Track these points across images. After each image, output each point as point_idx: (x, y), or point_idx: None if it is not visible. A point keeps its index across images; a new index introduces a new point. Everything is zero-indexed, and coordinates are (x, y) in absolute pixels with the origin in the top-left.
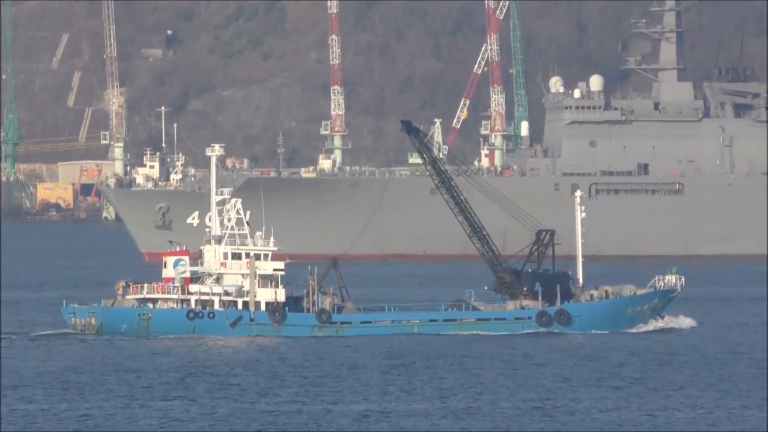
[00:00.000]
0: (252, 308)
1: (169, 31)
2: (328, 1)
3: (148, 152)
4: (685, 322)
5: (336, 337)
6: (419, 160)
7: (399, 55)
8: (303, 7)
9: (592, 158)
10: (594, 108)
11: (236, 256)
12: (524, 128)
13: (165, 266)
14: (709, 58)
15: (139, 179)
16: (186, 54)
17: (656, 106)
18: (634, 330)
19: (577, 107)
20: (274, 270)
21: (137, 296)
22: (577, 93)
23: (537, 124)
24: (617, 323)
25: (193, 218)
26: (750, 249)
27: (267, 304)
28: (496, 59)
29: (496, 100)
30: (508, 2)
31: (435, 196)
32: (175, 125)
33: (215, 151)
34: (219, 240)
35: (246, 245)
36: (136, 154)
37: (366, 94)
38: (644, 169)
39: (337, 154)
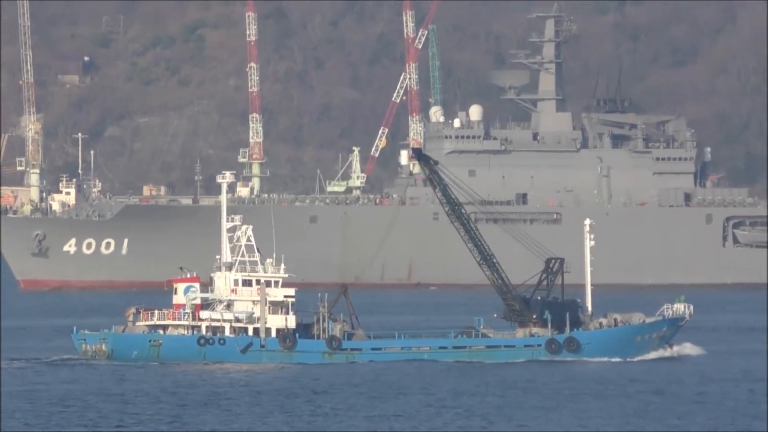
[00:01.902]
0: (263, 335)
1: (86, 58)
2: (247, 29)
3: (65, 179)
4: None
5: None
6: (338, 188)
7: (317, 84)
8: (221, 35)
9: (472, 187)
10: (473, 138)
11: (247, 283)
12: (404, 157)
13: (176, 293)
14: (588, 89)
15: (56, 206)
16: (103, 81)
17: (535, 136)
18: (642, 357)
19: (456, 137)
20: (285, 297)
21: (148, 323)
22: (456, 123)
23: None
24: (626, 351)
25: (70, 246)
26: (626, 279)
27: (277, 330)
28: (415, 88)
29: (415, 128)
30: (426, 31)
31: (314, 224)
32: (92, 152)
33: (226, 178)
34: (229, 267)
35: (256, 272)
36: (52, 181)
37: (284, 122)
38: (523, 198)
39: (255, 182)
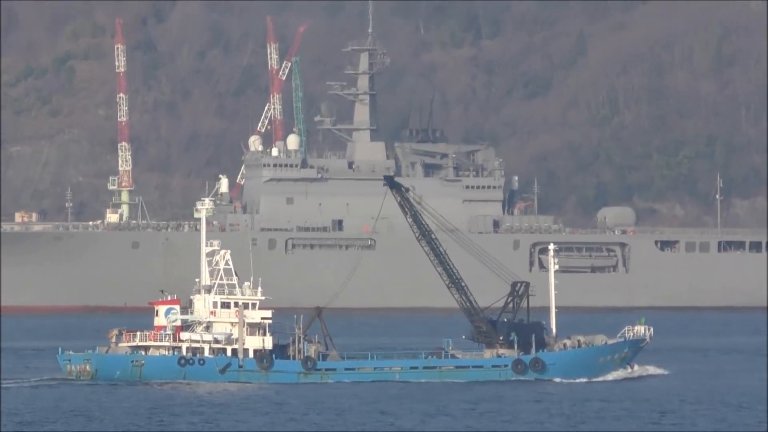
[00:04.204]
0: (240, 355)
1: None
2: (116, 60)
3: None
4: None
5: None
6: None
7: (185, 114)
8: (92, 66)
9: (289, 214)
10: (291, 166)
11: (225, 305)
12: (224, 185)
13: (157, 315)
14: (401, 120)
15: None
16: None
17: (350, 165)
18: (604, 378)
19: (275, 165)
20: (262, 318)
21: (130, 344)
22: (275, 151)
23: None
24: (589, 371)
25: None
26: (439, 303)
27: (255, 351)
28: (279, 118)
29: None
30: (290, 63)
31: (136, 249)
32: None
33: (205, 205)
34: (209, 290)
35: (234, 295)
36: None
37: (153, 151)
38: (339, 225)
39: (125, 209)
